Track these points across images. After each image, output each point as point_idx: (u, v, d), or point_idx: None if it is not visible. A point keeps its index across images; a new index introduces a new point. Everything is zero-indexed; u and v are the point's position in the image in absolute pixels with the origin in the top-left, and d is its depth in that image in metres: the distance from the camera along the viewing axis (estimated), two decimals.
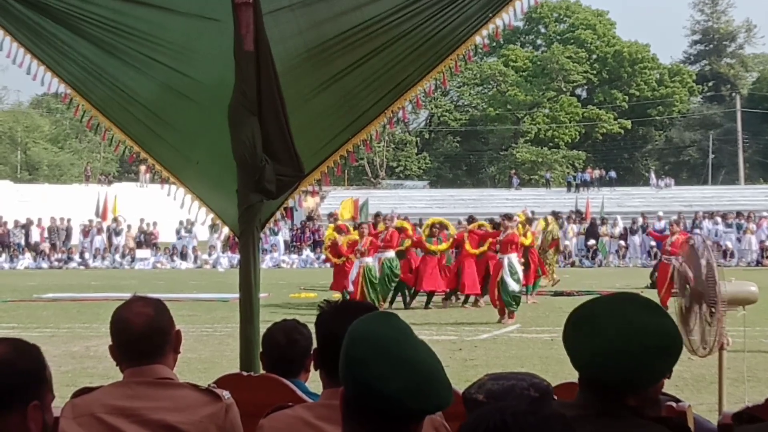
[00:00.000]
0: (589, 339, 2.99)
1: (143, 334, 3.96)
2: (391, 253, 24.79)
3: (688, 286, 7.89)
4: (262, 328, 5.49)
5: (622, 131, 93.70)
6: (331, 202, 64.28)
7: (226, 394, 4.02)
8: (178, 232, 52.34)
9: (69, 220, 53.76)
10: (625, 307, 3.04)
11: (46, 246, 52.17)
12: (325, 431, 3.54)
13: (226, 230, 7.83)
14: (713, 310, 7.67)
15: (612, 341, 2.92)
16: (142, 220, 54.31)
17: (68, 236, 53.71)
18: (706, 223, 49.69)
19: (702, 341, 7.82)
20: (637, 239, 48.80)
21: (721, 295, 7.65)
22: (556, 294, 28.29)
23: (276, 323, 5.32)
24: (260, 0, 6.22)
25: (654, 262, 33.78)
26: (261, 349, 5.35)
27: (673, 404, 4.23)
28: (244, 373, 5.35)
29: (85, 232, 52.98)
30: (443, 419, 3.79)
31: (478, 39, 6.74)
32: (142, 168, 48.28)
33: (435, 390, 2.74)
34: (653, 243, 43.05)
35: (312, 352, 4.17)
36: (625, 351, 2.91)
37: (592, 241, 48.51)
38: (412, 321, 18.73)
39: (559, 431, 2.31)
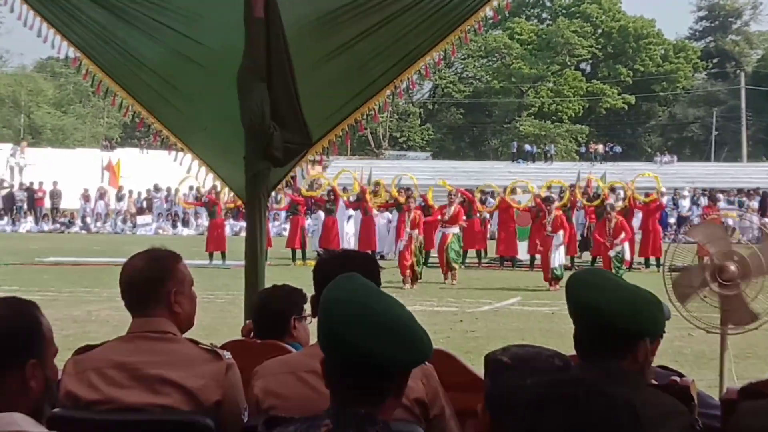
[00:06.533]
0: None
1: (129, 284, 4.05)
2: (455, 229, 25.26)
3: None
4: None
5: (626, 106, 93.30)
6: (333, 171, 64.01)
7: (227, 354, 4.04)
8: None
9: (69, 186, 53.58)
10: None
11: (47, 210, 52.08)
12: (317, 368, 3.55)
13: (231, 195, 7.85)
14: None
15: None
16: (137, 192, 54.14)
17: (70, 200, 53.48)
18: (704, 200, 49.43)
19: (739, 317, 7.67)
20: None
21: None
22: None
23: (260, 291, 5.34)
24: None
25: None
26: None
27: (677, 379, 4.25)
28: (247, 340, 5.36)
29: (86, 196, 52.76)
30: (433, 370, 3.90)
31: (488, 10, 6.74)
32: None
33: (420, 342, 2.79)
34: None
35: (310, 298, 4.22)
36: None
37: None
38: (412, 292, 18.69)
39: (626, 419, 2.15)
